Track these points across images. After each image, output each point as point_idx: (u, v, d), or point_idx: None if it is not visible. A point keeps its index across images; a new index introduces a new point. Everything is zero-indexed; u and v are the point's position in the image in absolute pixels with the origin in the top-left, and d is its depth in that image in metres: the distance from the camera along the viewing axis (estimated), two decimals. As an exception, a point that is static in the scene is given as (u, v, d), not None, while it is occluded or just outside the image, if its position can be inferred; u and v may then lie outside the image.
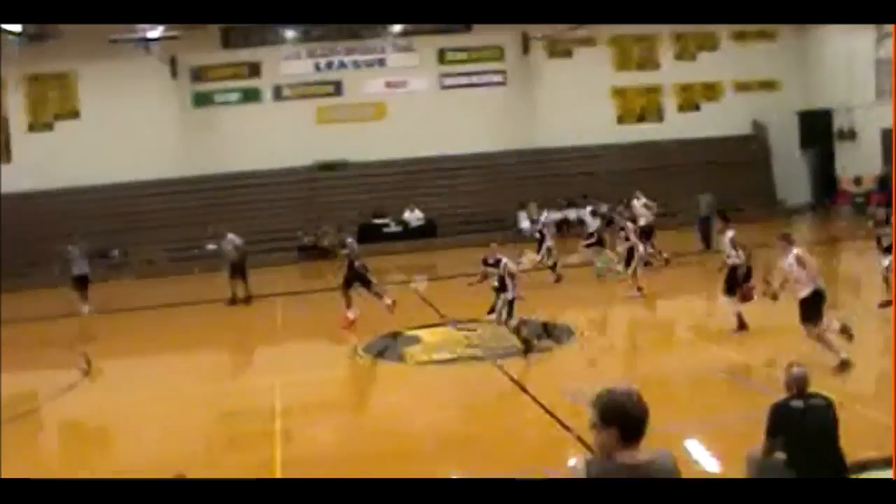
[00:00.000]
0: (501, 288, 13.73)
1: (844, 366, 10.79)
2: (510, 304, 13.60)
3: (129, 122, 31.26)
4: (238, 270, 21.03)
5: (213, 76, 32.45)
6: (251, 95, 32.53)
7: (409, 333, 15.85)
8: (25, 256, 27.27)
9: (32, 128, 32.00)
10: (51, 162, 30.83)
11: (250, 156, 31.29)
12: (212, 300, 21.88)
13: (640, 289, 17.53)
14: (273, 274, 26.56)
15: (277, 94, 32.61)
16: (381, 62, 32.87)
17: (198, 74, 32.33)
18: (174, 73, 31.73)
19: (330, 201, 30.89)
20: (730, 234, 14.10)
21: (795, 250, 11.31)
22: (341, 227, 27.49)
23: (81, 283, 22.02)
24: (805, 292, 11.14)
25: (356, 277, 16.76)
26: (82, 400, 13.67)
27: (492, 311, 14.00)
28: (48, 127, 32.03)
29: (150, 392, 14.62)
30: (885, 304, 14.21)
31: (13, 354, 17.46)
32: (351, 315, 16.59)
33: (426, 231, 30.40)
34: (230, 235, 21.37)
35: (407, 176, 31.17)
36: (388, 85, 32.76)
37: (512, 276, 13.70)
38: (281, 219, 30.16)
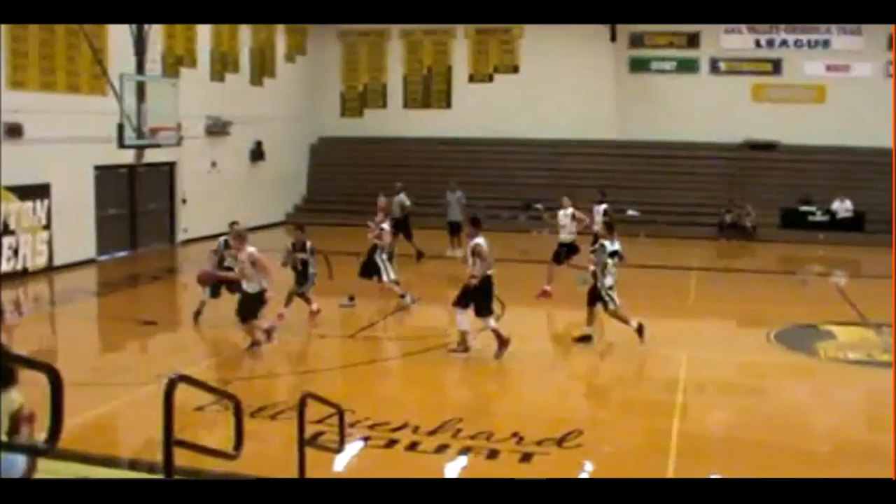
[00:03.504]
0: None
1: None
2: None
3: (565, 81, 32.16)
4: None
5: (651, 43, 32.54)
6: (687, 66, 32.29)
7: (824, 328, 15.52)
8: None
9: (473, 78, 33.94)
10: (487, 113, 32.69)
11: (680, 126, 31.21)
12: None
13: None
14: (690, 248, 26.75)
15: (714, 66, 32.16)
16: (826, 43, 31.39)
17: (636, 40, 32.62)
18: (613, 37, 32.22)
19: (756, 182, 30.11)
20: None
21: None
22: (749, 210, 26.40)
23: (452, 228, 23.61)
24: None
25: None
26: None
27: None
28: (488, 79, 33.83)
29: (560, 344, 15.17)
30: None
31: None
32: (315, 307, 15.89)
33: (853, 224, 28.86)
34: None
35: (840, 165, 29.83)
36: (829, 68, 31.25)
37: None
38: (704, 194, 30.04)
